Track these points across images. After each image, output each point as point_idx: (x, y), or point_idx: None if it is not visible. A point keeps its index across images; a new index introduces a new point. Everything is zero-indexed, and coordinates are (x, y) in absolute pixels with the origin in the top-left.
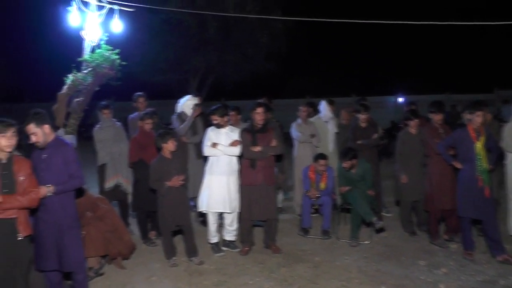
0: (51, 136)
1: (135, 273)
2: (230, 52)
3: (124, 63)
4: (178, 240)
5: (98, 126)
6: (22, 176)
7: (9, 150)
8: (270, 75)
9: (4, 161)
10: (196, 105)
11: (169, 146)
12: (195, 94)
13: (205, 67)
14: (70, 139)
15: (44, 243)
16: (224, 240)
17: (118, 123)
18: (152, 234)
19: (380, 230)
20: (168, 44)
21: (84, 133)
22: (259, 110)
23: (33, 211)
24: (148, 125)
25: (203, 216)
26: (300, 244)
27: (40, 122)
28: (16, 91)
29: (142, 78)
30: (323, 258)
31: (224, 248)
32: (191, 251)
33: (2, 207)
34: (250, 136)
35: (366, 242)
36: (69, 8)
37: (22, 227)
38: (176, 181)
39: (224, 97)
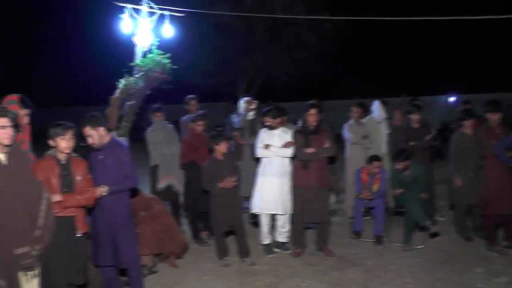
0: (106, 138)
1: (188, 272)
2: (278, 55)
3: (174, 67)
4: (230, 241)
5: (150, 128)
6: (79, 176)
7: (67, 151)
8: (319, 77)
9: (63, 162)
10: (248, 106)
11: (221, 148)
12: (249, 96)
13: (253, 70)
14: (122, 141)
15: (100, 240)
16: (276, 242)
17: (170, 125)
18: (204, 234)
19: (434, 235)
20: (217, 48)
21: (136, 135)
22: (312, 111)
23: (89, 210)
24: (199, 127)
25: (255, 218)
26: (352, 247)
27: (95, 125)
28: (69, 96)
29: (191, 81)
30: (375, 262)
31: (276, 250)
32: (244, 252)
33: (62, 205)
34: (303, 137)
35: (419, 246)
36: (122, 16)
37: (80, 225)
38: (228, 182)
39: (272, 99)
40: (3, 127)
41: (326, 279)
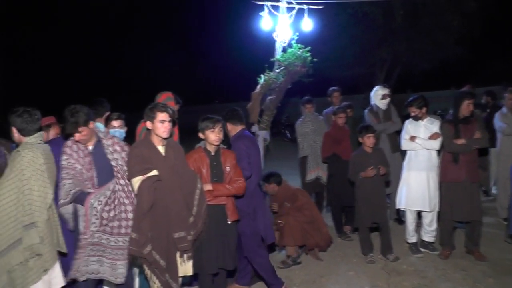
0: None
1: (332, 266)
2: (418, 40)
3: (315, 59)
4: (373, 237)
5: (300, 120)
6: (228, 167)
7: (216, 143)
8: (462, 61)
9: (212, 153)
10: (384, 95)
11: (369, 140)
12: (385, 85)
13: (392, 58)
14: (264, 134)
15: None
16: (422, 241)
17: (321, 117)
18: (347, 229)
19: None
20: (354, 38)
21: (274, 129)
22: (470, 101)
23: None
24: (341, 119)
25: (398, 214)
26: (508, 252)
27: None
28: (208, 93)
29: (328, 74)
30: None
31: (422, 249)
32: (387, 249)
33: (213, 194)
34: (452, 127)
35: None
36: (261, 14)
37: (230, 213)
38: (369, 171)
39: (411, 89)
40: (163, 121)
41: (479, 287)
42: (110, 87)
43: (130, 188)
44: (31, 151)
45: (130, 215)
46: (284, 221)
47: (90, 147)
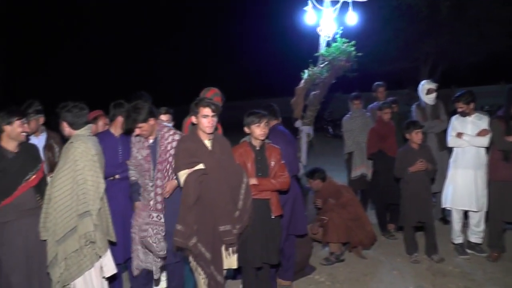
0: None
1: (376, 264)
2: (464, 32)
3: (359, 54)
4: (418, 236)
5: (347, 116)
6: (273, 161)
7: (262, 138)
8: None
9: (257, 148)
10: (429, 89)
11: (414, 137)
12: (431, 79)
13: (437, 52)
14: (307, 130)
15: None
16: (469, 242)
17: (368, 114)
18: (391, 227)
19: None
20: (398, 32)
21: (316, 124)
22: None
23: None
24: (387, 114)
25: (443, 214)
26: None
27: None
28: (249, 89)
29: (371, 68)
30: None
31: (468, 251)
32: (432, 250)
33: (258, 188)
34: (504, 124)
35: None
36: (305, 8)
37: (274, 207)
38: (418, 166)
39: (456, 84)
40: (206, 116)
41: None
42: (150, 83)
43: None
44: (84, 143)
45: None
46: (328, 218)
47: (151, 141)
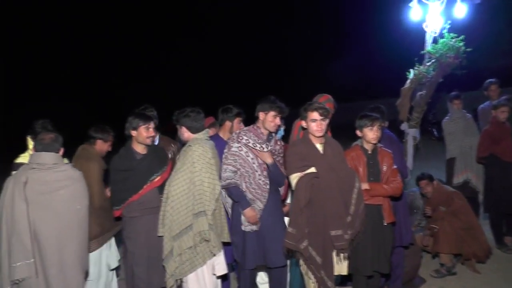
0: None
1: (491, 281)
2: None
3: (468, 49)
4: None
5: (447, 117)
6: (385, 166)
7: (374, 142)
8: None
9: (369, 151)
10: None
11: None
12: None
13: None
14: (414, 132)
15: None
16: None
17: (469, 115)
18: (508, 240)
19: None
20: (511, 22)
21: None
22: None
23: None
24: (503, 113)
25: None
26: None
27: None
28: (350, 90)
29: (480, 64)
30: None
31: None
32: None
33: (370, 193)
34: None
35: None
36: (410, 4)
37: (386, 214)
38: None
39: None
40: (314, 120)
41: None
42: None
43: None
44: (201, 146)
45: None
46: (438, 226)
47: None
